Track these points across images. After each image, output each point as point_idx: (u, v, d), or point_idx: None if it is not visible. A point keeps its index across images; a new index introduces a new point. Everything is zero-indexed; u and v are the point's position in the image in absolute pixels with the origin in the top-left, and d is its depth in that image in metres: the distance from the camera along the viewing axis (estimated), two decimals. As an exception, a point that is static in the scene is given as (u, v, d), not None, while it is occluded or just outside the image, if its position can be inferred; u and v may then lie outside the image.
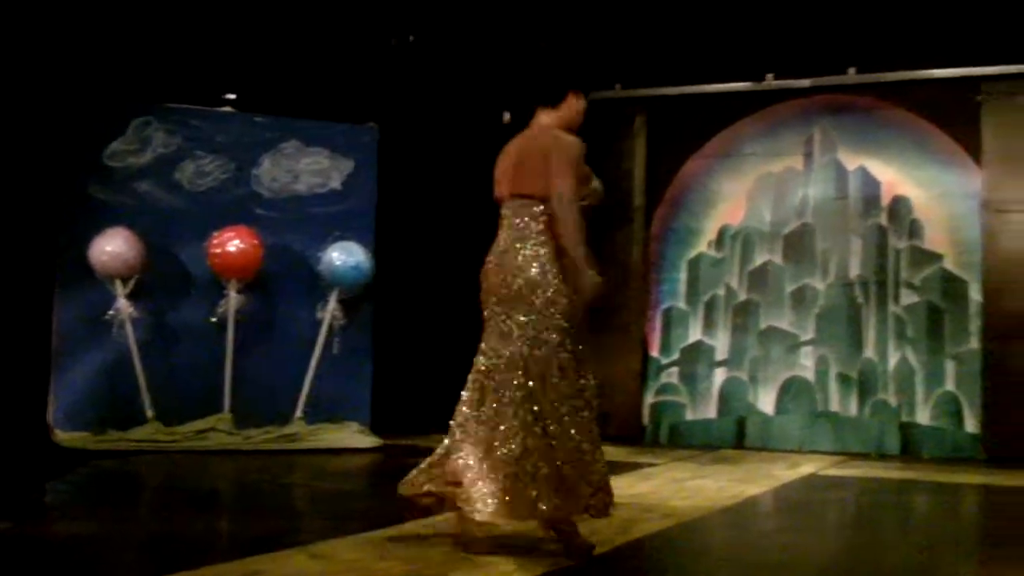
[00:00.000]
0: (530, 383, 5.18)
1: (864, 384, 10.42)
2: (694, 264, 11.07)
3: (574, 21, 10.79)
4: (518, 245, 5.42)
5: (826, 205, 10.72)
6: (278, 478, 8.19)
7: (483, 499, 5.03)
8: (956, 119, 10.32)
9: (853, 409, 10.44)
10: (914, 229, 10.42)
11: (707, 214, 11.06)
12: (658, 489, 7.65)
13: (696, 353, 10.99)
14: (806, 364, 10.61)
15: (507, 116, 11.56)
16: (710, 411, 10.84)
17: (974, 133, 10.23)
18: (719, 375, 10.87)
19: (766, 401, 10.69)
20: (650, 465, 9.00)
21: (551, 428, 5.09)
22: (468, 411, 5.39)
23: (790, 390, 10.62)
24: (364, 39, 10.81)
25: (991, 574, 5.56)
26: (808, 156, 10.82)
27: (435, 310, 11.67)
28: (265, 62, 10.38)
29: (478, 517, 5.07)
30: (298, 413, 9.77)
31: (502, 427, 5.16)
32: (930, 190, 10.40)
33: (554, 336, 5.26)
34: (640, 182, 11.21)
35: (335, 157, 10.17)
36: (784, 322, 10.71)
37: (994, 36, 10.02)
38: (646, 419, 11.07)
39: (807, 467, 9.21)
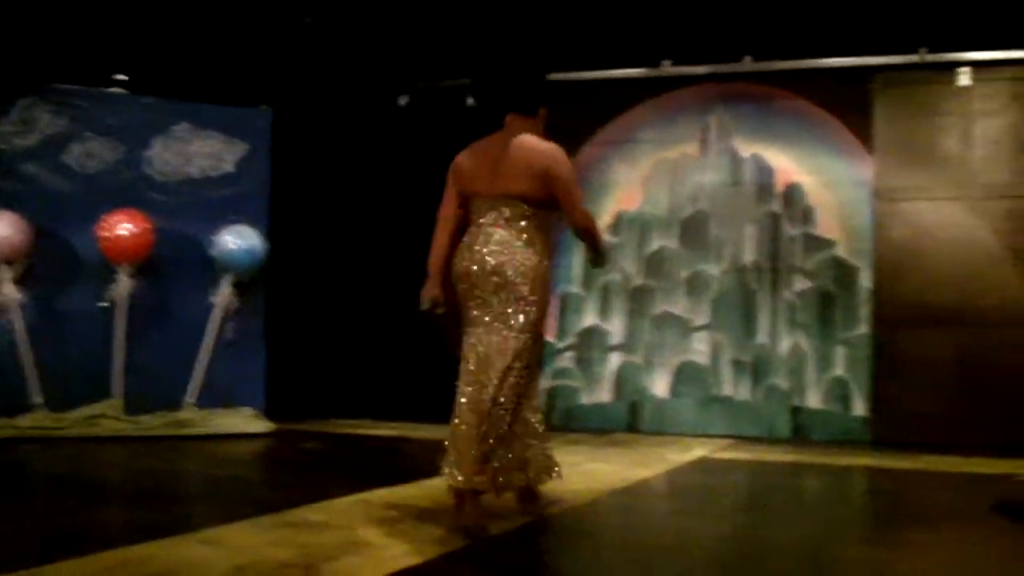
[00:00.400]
0: (519, 365, 5.64)
1: (757, 369, 10.54)
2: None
3: (469, 3, 10.78)
4: (499, 241, 5.73)
5: (721, 192, 10.82)
6: (170, 464, 8.10)
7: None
8: (849, 108, 10.46)
9: (746, 393, 10.56)
10: (807, 216, 10.55)
11: (604, 200, 11.09)
12: (552, 473, 7.67)
13: (591, 337, 11.04)
14: (700, 349, 10.71)
15: (403, 100, 11.55)
16: (605, 395, 10.90)
17: (866, 122, 10.37)
18: (614, 359, 10.93)
19: (660, 385, 10.77)
20: (544, 449, 9.02)
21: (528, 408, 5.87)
22: (476, 394, 5.63)
23: (684, 374, 10.71)
24: (258, 21, 10.70)
25: (876, 554, 5.64)
26: (704, 143, 10.90)
27: (329, 294, 11.62)
28: (157, 43, 10.24)
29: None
30: (190, 399, 9.67)
31: (504, 409, 5.61)
32: (823, 178, 10.54)
33: (536, 321, 5.73)
34: (537, 167, 11.20)
35: (228, 140, 10.06)
36: (679, 307, 10.79)
37: (887, 27, 10.16)
38: (541, 403, 11.06)
39: (700, 450, 9.29)
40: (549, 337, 11.07)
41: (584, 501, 6.58)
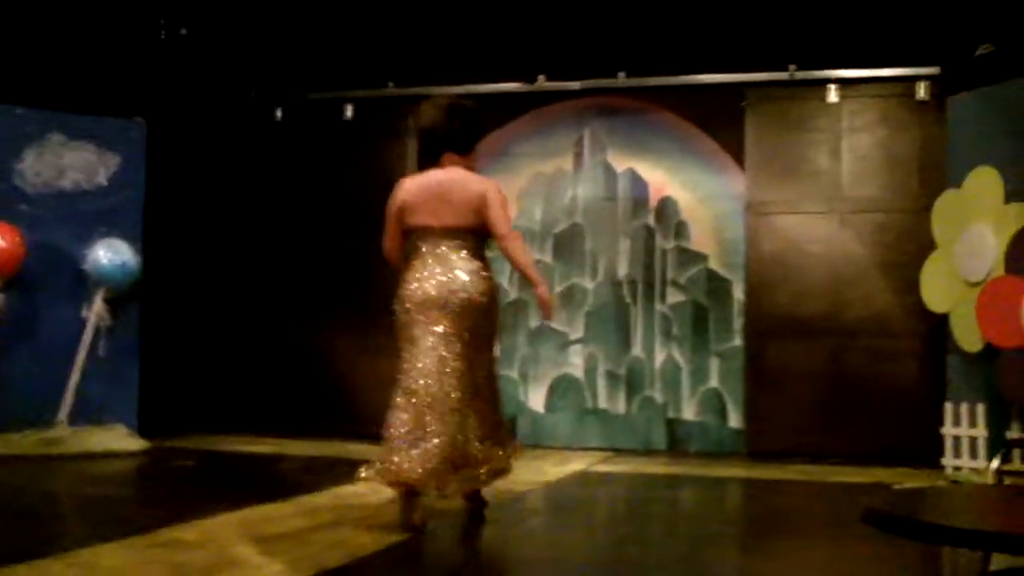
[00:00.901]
0: (482, 374, 6.35)
1: (632, 381, 10.63)
2: (467, 263, 11.12)
3: (345, 16, 10.77)
4: (457, 267, 6.29)
5: (595, 205, 10.89)
6: (39, 484, 7.93)
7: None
8: (721, 123, 10.59)
9: (621, 406, 10.64)
10: (680, 230, 10.66)
11: (479, 214, 11.09)
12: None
13: (468, 352, 11.03)
14: (575, 362, 10.77)
15: (279, 113, 11.49)
16: (482, 409, 10.90)
17: (738, 137, 10.51)
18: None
19: (536, 399, 10.81)
20: (422, 464, 9.00)
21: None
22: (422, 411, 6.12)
23: (560, 388, 10.76)
24: (132, 32, 10.57)
25: (751, 562, 5.72)
26: (578, 157, 10.97)
27: (205, 309, 11.50)
28: (28, 52, 10.06)
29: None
30: (61, 416, 9.47)
31: (443, 422, 6.07)
32: (695, 192, 10.66)
33: (487, 341, 6.42)
34: (413, 181, 11.21)
35: (102, 152, 9.89)
36: (554, 321, 10.83)
37: (758, 44, 10.33)
38: (419, 418, 11.07)
39: (577, 464, 9.34)
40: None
41: (461, 515, 6.57)
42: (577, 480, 8.58)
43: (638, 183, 10.78)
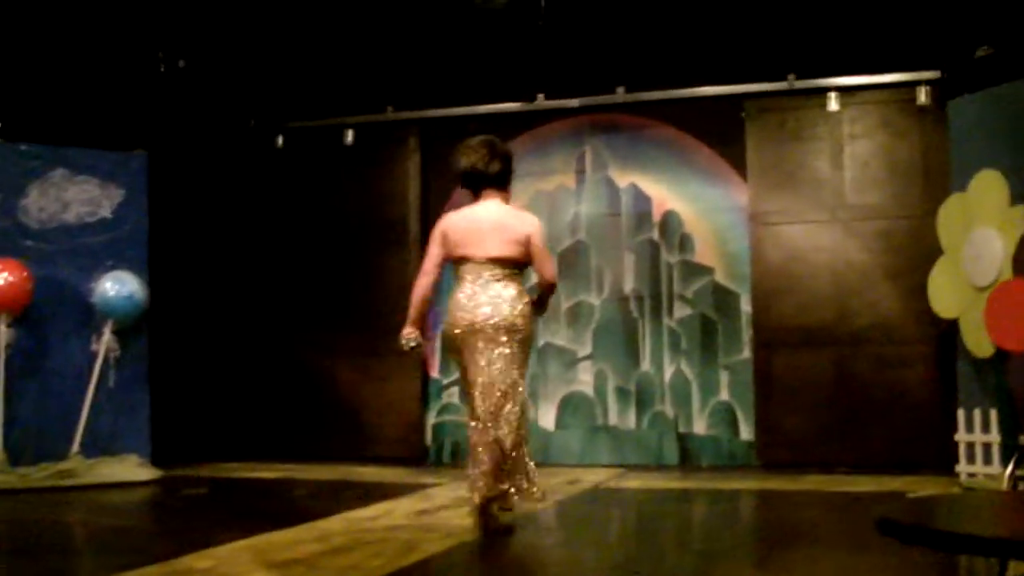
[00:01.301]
0: (508, 394, 6.71)
1: (642, 397, 10.61)
2: (472, 284, 11.12)
3: (343, 42, 10.78)
4: (503, 294, 6.83)
5: (599, 222, 10.88)
6: (55, 516, 7.95)
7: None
8: (721, 135, 10.59)
9: (632, 422, 10.61)
10: (684, 243, 10.65)
11: (483, 234, 11.10)
12: (440, 509, 7.65)
13: (476, 372, 11.02)
14: (584, 379, 10.75)
15: (279, 141, 11.50)
16: (492, 429, 10.89)
17: (739, 149, 10.51)
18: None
19: (546, 417, 10.78)
20: (433, 485, 9.00)
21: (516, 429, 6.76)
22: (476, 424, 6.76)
23: (569, 405, 10.74)
24: (131, 65, 10.59)
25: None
26: (580, 174, 10.97)
27: (212, 338, 11.51)
28: (30, 89, 10.08)
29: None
30: (75, 448, 9.48)
31: (502, 430, 6.66)
32: (698, 205, 10.65)
33: (521, 359, 6.85)
34: (415, 203, 11.22)
35: (105, 185, 9.91)
36: (561, 338, 10.82)
37: (756, 55, 10.33)
38: (429, 439, 11.09)
39: (588, 481, 9.32)
40: (434, 373, 11.09)
41: (475, 536, 6.56)
42: (589, 497, 8.56)
43: (641, 198, 10.77)
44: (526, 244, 6.93)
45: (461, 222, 7.07)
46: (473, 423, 6.77)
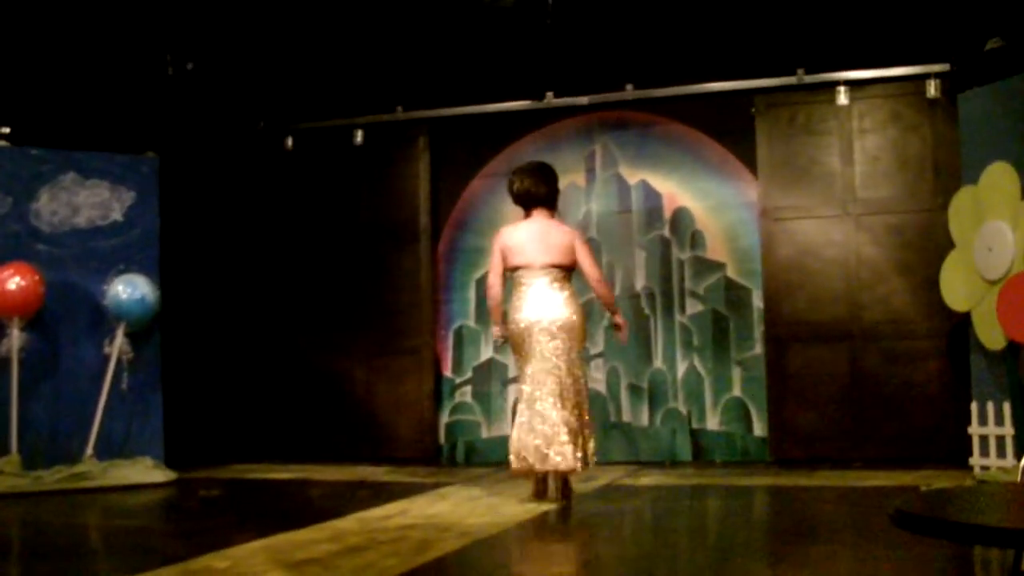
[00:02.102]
0: (564, 381, 7.88)
1: (654, 394, 10.61)
2: (482, 282, 11.11)
3: (351, 42, 10.79)
4: (556, 296, 8.04)
5: (610, 219, 10.88)
6: (70, 519, 7.98)
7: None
8: (731, 131, 10.59)
9: (645, 419, 10.61)
10: (696, 240, 10.64)
11: (493, 233, 11.06)
12: (454, 508, 7.66)
13: (488, 371, 11.05)
14: (597, 376, 10.74)
15: (289, 142, 11.51)
16: (505, 428, 10.88)
17: (748, 144, 10.50)
18: (512, 392, 10.93)
19: (560, 415, 10.77)
20: (446, 484, 9.01)
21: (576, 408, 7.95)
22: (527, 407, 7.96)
23: (583, 403, 10.74)
24: (139, 68, 10.62)
25: (781, 572, 5.69)
26: (590, 172, 10.97)
27: (224, 339, 11.53)
28: (40, 93, 10.12)
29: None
30: (89, 451, 9.51)
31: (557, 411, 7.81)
32: (709, 201, 10.64)
33: (576, 354, 8.04)
34: (425, 203, 11.23)
35: (115, 188, 9.94)
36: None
37: (764, 50, 10.32)
38: (442, 439, 11.10)
39: (602, 478, 9.30)
40: (447, 372, 11.10)
41: (489, 534, 6.57)
42: (603, 494, 8.56)
43: (651, 195, 10.77)
44: (571, 251, 8.12)
45: (516, 235, 8.20)
46: (524, 407, 7.95)
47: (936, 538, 3.31)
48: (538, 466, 7.77)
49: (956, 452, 9.04)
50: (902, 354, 9.96)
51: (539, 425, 7.76)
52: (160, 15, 10.18)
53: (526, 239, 8.14)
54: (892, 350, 9.98)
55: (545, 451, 7.71)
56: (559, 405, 7.79)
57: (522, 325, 8.00)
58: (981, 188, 8.70)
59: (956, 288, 8.93)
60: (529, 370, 7.96)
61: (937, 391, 9.79)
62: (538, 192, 8.22)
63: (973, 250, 8.69)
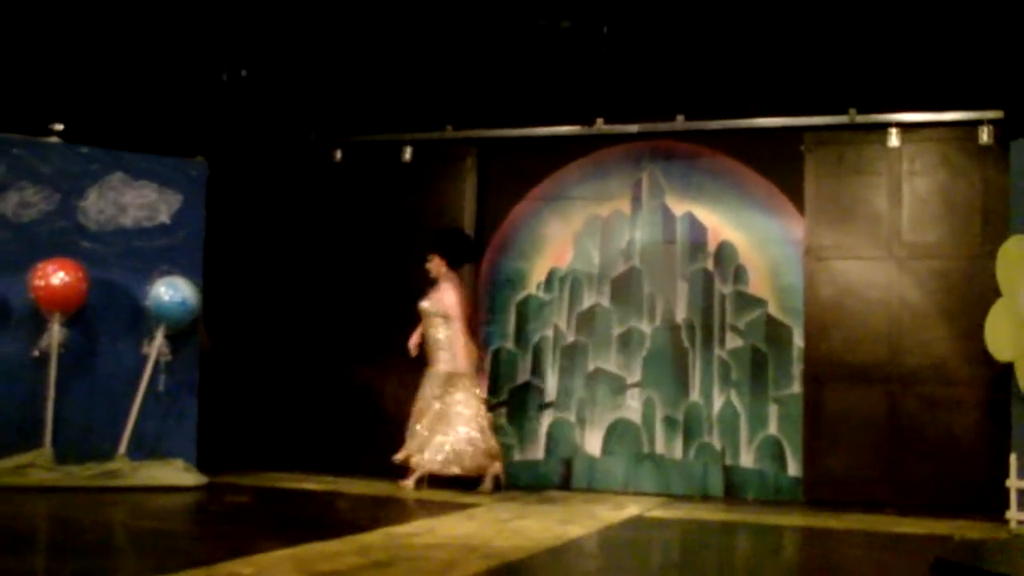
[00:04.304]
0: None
1: (689, 427, 10.55)
2: (523, 306, 11.12)
3: (404, 59, 10.81)
4: None
5: (653, 249, 10.85)
6: (98, 516, 7.98)
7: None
8: (780, 167, 10.55)
9: (678, 451, 10.56)
10: (739, 274, 10.60)
11: (536, 256, 11.12)
12: (481, 529, 7.62)
13: (524, 394, 11.02)
14: (633, 406, 10.70)
15: (338, 155, 11.54)
16: (538, 452, 10.87)
17: (797, 181, 10.45)
18: (547, 416, 10.91)
19: (593, 442, 10.75)
20: (475, 505, 8.97)
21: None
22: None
23: (616, 432, 10.70)
24: (194, 73, 10.68)
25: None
26: (636, 200, 10.94)
27: (263, 347, 11.55)
28: (94, 93, 10.19)
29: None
30: (121, 449, 9.53)
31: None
32: (754, 236, 10.60)
33: None
34: (470, 223, 11.23)
35: (163, 191, 9.99)
36: (611, 364, 10.79)
37: (817, 88, 10.29)
38: (474, 460, 11.05)
39: (632, 508, 9.26)
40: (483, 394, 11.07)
41: (518, 558, 6.53)
42: (632, 525, 8.50)
43: (696, 227, 10.74)
44: None
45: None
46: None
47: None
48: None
49: (991, 503, 8.93)
50: (941, 401, 9.87)
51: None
52: (217, 21, 10.25)
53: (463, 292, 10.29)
54: (931, 396, 9.90)
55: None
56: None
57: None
58: (1030, 237, 8.61)
59: (1001, 337, 8.83)
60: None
61: (975, 440, 9.69)
62: (465, 254, 10.53)
63: (1020, 299, 8.60)
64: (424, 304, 10.40)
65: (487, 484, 10.10)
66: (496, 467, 10.18)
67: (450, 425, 10.10)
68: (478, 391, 10.39)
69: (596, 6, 10.03)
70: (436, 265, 10.41)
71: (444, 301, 10.30)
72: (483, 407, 10.31)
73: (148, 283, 9.70)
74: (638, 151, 11.00)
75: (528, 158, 11.25)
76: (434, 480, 10.08)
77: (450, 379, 10.26)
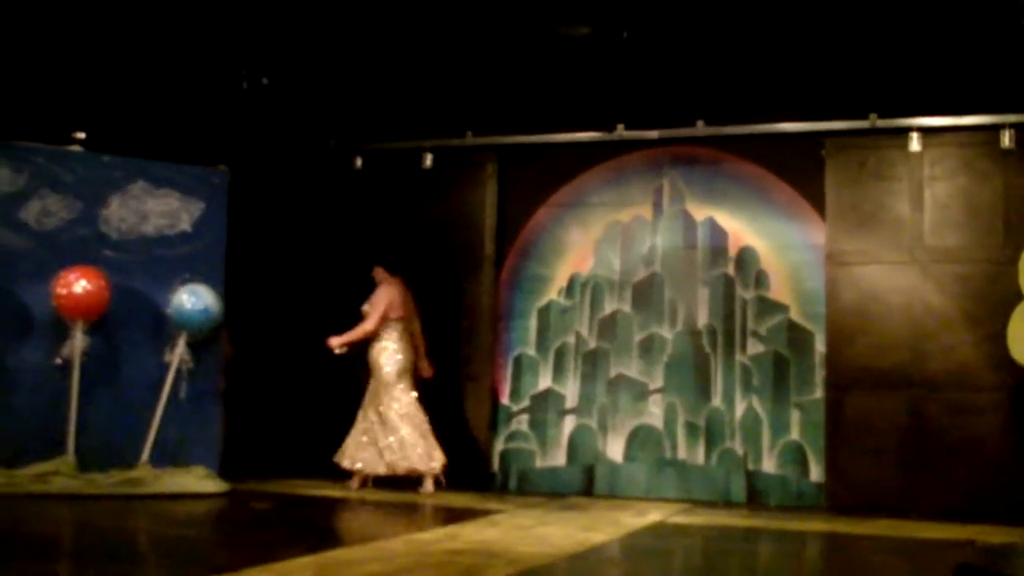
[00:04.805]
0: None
1: (711, 432, 10.53)
2: (544, 312, 11.12)
3: (424, 66, 10.83)
4: None
5: (674, 254, 10.84)
6: (121, 523, 8.01)
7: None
8: (800, 172, 10.53)
9: (700, 457, 10.54)
10: (760, 279, 10.58)
11: (556, 262, 11.13)
12: (504, 536, 7.62)
13: (546, 400, 11.02)
14: (654, 412, 10.69)
15: (358, 162, 11.56)
16: (559, 458, 10.87)
17: (818, 186, 10.43)
18: (568, 422, 10.90)
19: (615, 449, 10.74)
20: (497, 512, 8.97)
21: None
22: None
23: (638, 438, 10.69)
24: (215, 81, 10.72)
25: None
26: (657, 206, 10.94)
27: (285, 354, 11.56)
28: (116, 102, 10.23)
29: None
30: (144, 457, 9.56)
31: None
32: (775, 242, 10.58)
33: None
34: (490, 230, 11.24)
35: (185, 199, 10.02)
36: (633, 370, 10.79)
37: (838, 92, 10.27)
38: (495, 466, 11.07)
39: (654, 515, 9.25)
40: (504, 400, 11.08)
41: (540, 565, 6.52)
42: (654, 532, 8.48)
43: (717, 232, 10.73)
44: None
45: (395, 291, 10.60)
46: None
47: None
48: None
49: (1015, 509, 8.91)
50: (964, 406, 9.83)
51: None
52: (237, 30, 10.28)
53: (402, 297, 10.60)
54: (954, 401, 9.86)
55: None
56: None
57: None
58: (1053, 241, 8.59)
59: (1022, 341, 8.80)
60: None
61: (998, 446, 9.65)
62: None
63: (1042, 304, 8.58)
64: (364, 307, 10.70)
65: (427, 485, 10.27)
66: (435, 467, 10.29)
67: (391, 427, 10.35)
68: (415, 394, 10.55)
69: (616, 12, 10.03)
70: (377, 272, 10.78)
71: (371, 298, 10.63)
72: (421, 409, 10.50)
73: (170, 291, 9.73)
74: (658, 157, 11.00)
75: (549, 164, 11.26)
76: (378, 481, 10.45)
77: (394, 380, 10.47)
